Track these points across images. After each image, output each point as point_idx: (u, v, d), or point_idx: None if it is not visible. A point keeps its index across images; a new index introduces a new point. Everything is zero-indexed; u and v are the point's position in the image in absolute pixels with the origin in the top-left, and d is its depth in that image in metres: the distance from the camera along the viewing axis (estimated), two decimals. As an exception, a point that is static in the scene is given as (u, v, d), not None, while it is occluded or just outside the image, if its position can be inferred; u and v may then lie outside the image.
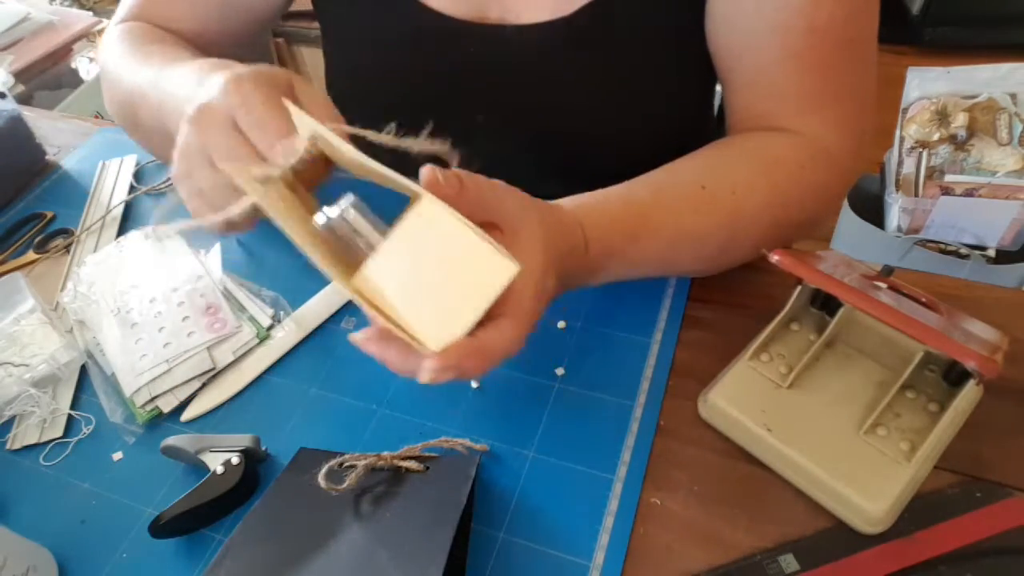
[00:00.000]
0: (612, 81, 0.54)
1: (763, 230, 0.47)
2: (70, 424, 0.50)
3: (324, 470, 0.41)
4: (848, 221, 1.21)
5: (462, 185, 0.34)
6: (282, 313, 0.55)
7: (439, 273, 0.32)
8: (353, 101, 0.62)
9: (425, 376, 0.32)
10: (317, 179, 0.37)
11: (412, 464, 0.43)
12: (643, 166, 0.52)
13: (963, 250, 1.11)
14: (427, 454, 0.44)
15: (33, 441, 0.49)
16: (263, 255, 0.61)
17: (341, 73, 0.63)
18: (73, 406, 0.51)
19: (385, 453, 0.43)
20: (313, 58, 1.79)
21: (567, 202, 0.44)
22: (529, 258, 0.35)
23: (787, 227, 0.49)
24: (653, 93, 0.56)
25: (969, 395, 0.41)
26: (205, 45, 0.61)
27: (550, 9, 0.51)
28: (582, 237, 0.42)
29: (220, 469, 0.43)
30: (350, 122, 0.37)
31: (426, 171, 0.34)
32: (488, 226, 0.36)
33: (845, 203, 1.20)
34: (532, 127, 0.58)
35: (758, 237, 0.47)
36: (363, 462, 0.42)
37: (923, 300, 0.44)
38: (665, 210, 0.46)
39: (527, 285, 0.35)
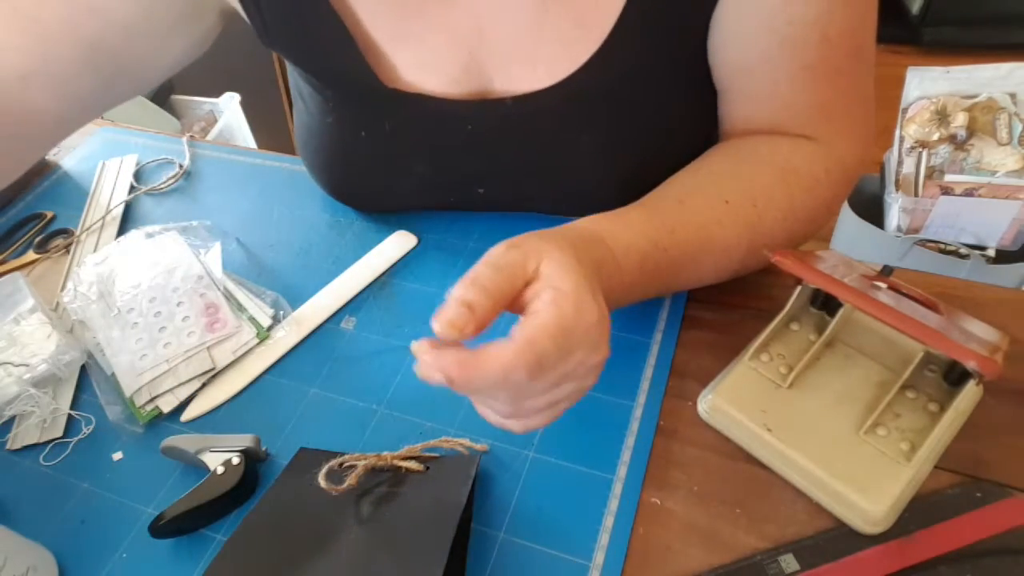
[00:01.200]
0: (613, 131, 0.52)
1: (778, 242, 0.47)
2: (70, 424, 0.50)
3: (324, 470, 0.41)
4: (848, 221, 1.21)
5: (471, 309, 0.32)
6: (282, 313, 0.55)
7: None
8: (333, 176, 0.60)
9: (418, 368, 0.32)
10: None
11: (412, 464, 0.43)
12: None
13: (963, 250, 1.11)
14: (427, 454, 0.44)
15: (33, 441, 0.49)
16: (263, 255, 0.61)
17: (321, 148, 0.59)
18: (73, 406, 0.51)
19: (385, 453, 0.43)
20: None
21: (584, 220, 0.42)
22: (560, 284, 0.33)
23: (799, 238, 0.50)
24: (659, 138, 0.54)
25: (969, 395, 0.41)
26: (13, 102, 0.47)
27: (550, 74, 0.48)
28: (608, 250, 0.41)
29: (220, 469, 0.43)
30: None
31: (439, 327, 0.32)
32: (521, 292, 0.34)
33: (845, 203, 1.21)
34: (534, 191, 0.57)
35: (772, 248, 0.47)
36: (363, 462, 0.42)
37: (923, 300, 0.44)
38: (688, 222, 0.45)
39: (548, 318, 0.32)
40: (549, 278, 0.34)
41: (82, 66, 0.48)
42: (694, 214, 0.45)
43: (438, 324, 0.31)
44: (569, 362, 0.34)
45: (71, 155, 0.75)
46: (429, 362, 0.32)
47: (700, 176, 0.48)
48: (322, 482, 0.41)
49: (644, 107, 0.52)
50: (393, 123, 0.53)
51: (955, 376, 0.42)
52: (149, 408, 0.50)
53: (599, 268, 0.38)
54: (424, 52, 0.49)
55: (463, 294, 0.32)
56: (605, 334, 0.35)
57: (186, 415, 0.50)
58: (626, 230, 0.43)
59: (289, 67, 0.58)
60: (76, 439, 0.49)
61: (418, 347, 0.32)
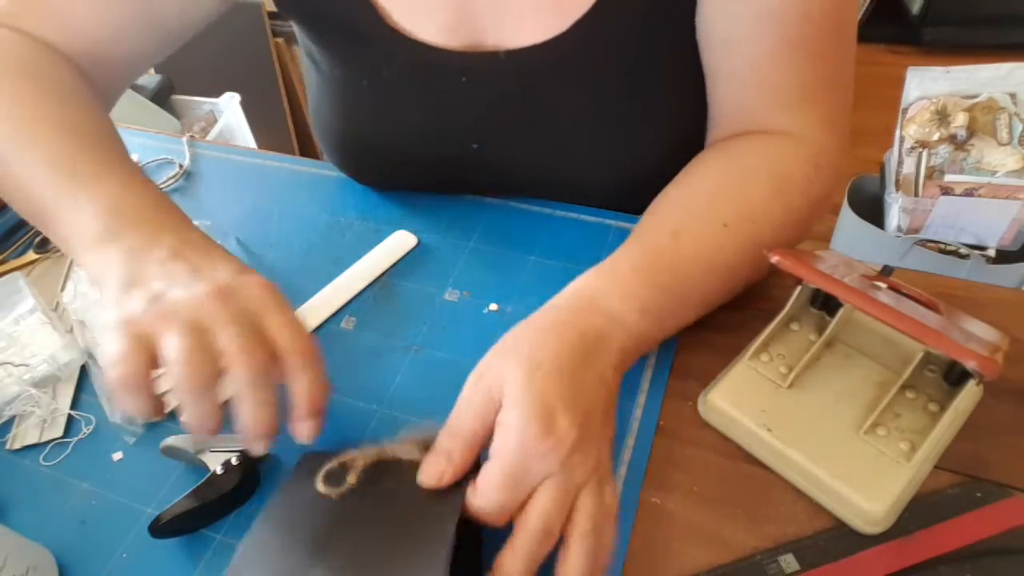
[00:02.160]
0: (607, 94, 0.53)
1: (778, 248, 0.47)
2: (70, 424, 0.50)
3: (322, 474, 0.41)
4: (848, 221, 1.21)
5: (449, 458, 0.37)
6: (282, 313, 0.55)
7: None
8: (343, 134, 0.61)
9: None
10: None
11: (414, 454, 0.42)
12: (643, 177, 0.51)
13: (963, 250, 1.11)
14: (430, 435, 0.44)
15: (33, 441, 0.49)
16: (263, 255, 0.61)
17: (330, 106, 0.61)
18: (73, 406, 0.51)
19: (385, 444, 0.43)
20: (313, 58, 1.78)
21: (576, 286, 0.43)
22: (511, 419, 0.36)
23: (796, 241, 0.50)
24: (651, 100, 0.55)
25: (969, 395, 0.41)
26: (100, 64, 0.54)
27: (543, 29, 0.49)
28: (600, 316, 0.41)
29: (220, 469, 0.43)
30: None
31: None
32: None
33: (845, 203, 1.20)
34: (527, 149, 0.57)
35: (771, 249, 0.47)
36: (361, 460, 0.42)
37: (923, 300, 0.44)
38: (686, 257, 0.45)
39: (494, 459, 0.36)
40: (502, 411, 0.37)
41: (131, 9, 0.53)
42: (690, 246, 0.45)
43: (421, 476, 0.37)
44: (548, 492, 0.36)
45: (71, 155, 0.75)
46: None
47: (695, 199, 0.48)
48: (320, 487, 0.40)
49: (635, 76, 0.52)
50: (392, 71, 0.54)
51: (955, 376, 0.42)
52: (149, 408, 0.50)
53: (584, 338, 0.39)
54: None
55: (443, 442, 0.38)
56: (577, 446, 0.36)
57: (186, 415, 0.50)
58: (617, 281, 0.43)
59: (299, 34, 0.59)
60: (76, 439, 0.49)
61: None
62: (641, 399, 0.47)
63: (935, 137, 1.06)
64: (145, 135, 0.77)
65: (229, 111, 1.64)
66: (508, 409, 0.36)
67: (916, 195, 1.09)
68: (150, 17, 0.54)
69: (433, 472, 0.37)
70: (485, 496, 0.36)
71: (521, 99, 0.54)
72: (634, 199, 0.54)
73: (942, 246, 1.13)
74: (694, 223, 0.46)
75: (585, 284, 0.43)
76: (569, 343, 0.39)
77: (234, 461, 0.44)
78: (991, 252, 1.10)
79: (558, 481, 0.35)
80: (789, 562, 0.39)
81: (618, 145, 0.55)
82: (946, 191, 1.07)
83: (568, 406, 0.36)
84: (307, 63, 0.62)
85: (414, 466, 0.42)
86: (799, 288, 0.46)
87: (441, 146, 0.59)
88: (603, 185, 0.58)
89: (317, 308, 0.55)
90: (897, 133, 1.09)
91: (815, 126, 0.49)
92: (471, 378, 0.39)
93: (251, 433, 0.38)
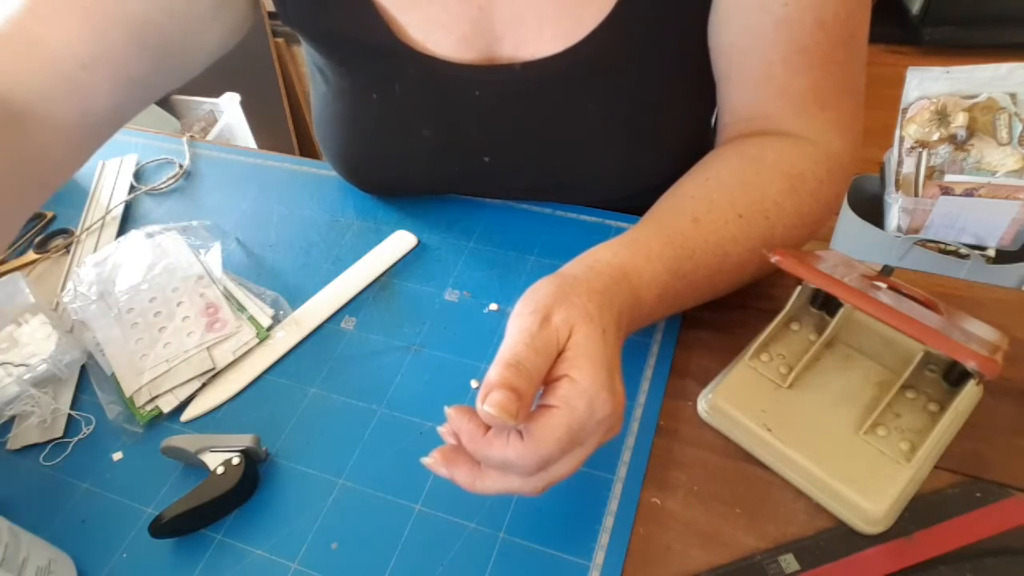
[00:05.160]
0: (619, 101, 0.53)
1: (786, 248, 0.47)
2: (70, 424, 0.50)
3: None
4: (848, 221, 1.21)
5: (520, 396, 0.33)
6: (282, 313, 0.55)
7: None
8: (349, 146, 0.61)
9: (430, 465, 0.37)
10: None
11: None
12: (651, 182, 0.51)
13: (963, 250, 1.11)
14: None
15: (33, 441, 0.49)
16: (263, 255, 0.61)
17: (336, 117, 0.60)
18: (73, 406, 0.51)
19: None
20: (313, 58, 1.78)
21: (606, 253, 0.42)
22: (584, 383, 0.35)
23: (803, 242, 0.50)
24: (662, 109, 0.55)
25: (969, 395, 0.41)
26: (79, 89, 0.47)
27: (561, 39, 0.49)
28: (632, 291, 0.41)
29: (220, 469, 0.43)
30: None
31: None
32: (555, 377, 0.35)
33: (845, 203, 1.21)
34: (538, 159, 0.57)
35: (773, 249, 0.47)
36: None
37: (923, 300, 0.44)
38: (706, 243, 0.45)
39: (557, 422, 0.34)
40: (572, 361, 0.35)
41: (134, 49, 0.49)
42: (710, 233, 0.45)
43: (493, 408, 0.33)
44: (575, 453, 0.36)
45: (71, 155, 0.75)
46: (444, 474, 0.36)
47: (711, 188, 0.48)
48: None
49: (650, 82, 0.52)
50: (403, 85, 0.54)
51: (955, 376, 0.42)
52: (149, 408, 0.50)
53: (621, 314, 0.39)
54: (434, 9, 0.50)
55: (511, 379, 0.33)
56: (619, 419, 0.37)
57: (186, 415, 0.50)
58: (648, 263, 0.42)
59: (305, 45, 0.59)
60: (76, 439, 0.49)
61: (433, 462, 0.37)
62: (641, 399, 0.47)
63: (935, 137, 1.06)
64: (145, 135, 0.77)
65: (229, 111, 1.65)
66: (582, 367, 0.35)
67: (916, 195, 1.09)
68: (143, 43, 0.49)
69: (507, 405, 0.33)
70: (543, 445, 0.34)
71: (534, 110, 0.53)
72: (638, 202, 0.54)
73: (942, 246, 1.13)
74: (712, 211, 0.46)
75: (615, 256, 0.42)
76: (616, 313, 0.39)
77: (234, 461, 0.44)
78: (991, 252, 1.10)
79: (598, 441, 0.36)
80: (789, 562, 0.39)
81: (626, 151, 0.55)
82: (946, 191, 1.07)
83: (620, 376, 0.37)
84: (312, 70, 0.61)
85: None
86: (799, 288, 0.46)
87: (451, 159, 0.59)
88: (610, 190, 0.58)
89: (317, 308, 0.55)
90: (897, 133, 1.09)
91: (827, 131, 0.49)
92: (531, 316, 0.36)
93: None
